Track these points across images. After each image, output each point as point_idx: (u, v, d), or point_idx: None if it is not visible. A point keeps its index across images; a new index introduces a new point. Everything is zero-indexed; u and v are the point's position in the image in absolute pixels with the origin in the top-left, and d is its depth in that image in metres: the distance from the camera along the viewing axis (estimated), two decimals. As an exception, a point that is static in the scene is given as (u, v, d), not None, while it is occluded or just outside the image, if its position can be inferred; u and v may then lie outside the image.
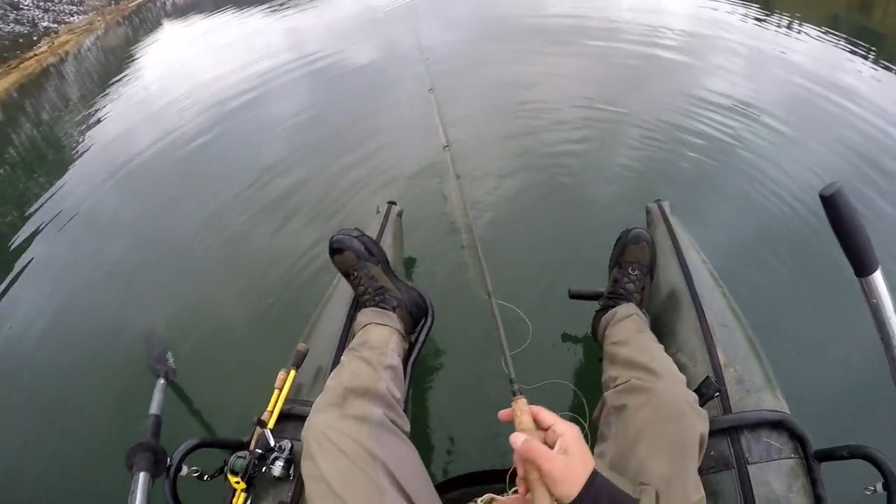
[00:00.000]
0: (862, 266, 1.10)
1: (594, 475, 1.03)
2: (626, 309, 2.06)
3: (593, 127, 4.69)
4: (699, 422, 1.49)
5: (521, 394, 1.20)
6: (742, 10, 7.58)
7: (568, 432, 1.07)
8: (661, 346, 1.85)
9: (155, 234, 4.94)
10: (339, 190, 4.52)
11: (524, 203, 4.02)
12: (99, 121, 10.25)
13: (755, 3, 8.14)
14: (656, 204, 2.73)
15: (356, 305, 2.21)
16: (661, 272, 2.28)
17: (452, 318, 3.00)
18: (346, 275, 2.20)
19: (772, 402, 1.71)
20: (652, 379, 1.59)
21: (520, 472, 1.09)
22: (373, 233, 2.67)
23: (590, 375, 2.59)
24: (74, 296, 4.44)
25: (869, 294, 1.13)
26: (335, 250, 2.18)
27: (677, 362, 1.78)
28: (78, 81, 14.16)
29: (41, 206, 6.53)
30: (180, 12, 35.92)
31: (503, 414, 1.20)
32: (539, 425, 1.13)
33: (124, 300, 4.17)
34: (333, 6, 12.98)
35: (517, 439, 1.08)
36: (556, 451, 1.04)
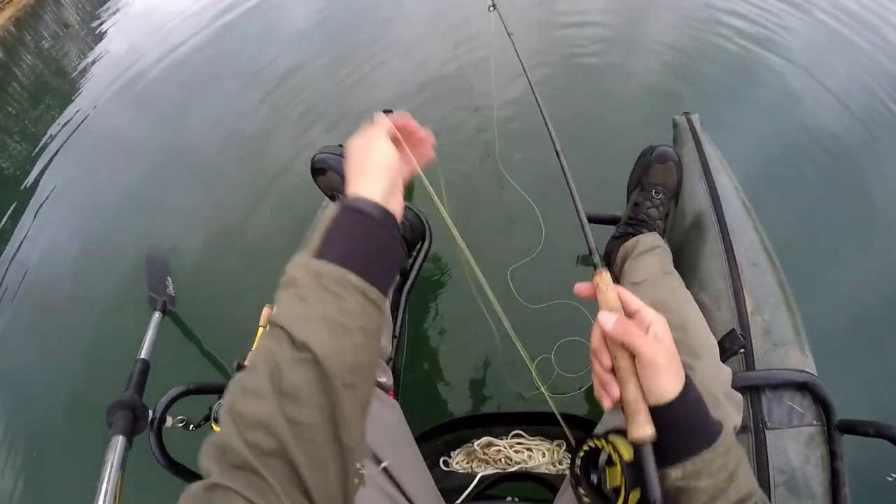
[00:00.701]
0: None
1: (688, 378, 0.84)
2: (650, 239, 1.80)
3: (624, 16, 4.25)
4: (734, 413, 1.27)
5: (603, 267, 0.98)
6: None
7: (659, 319, 0.88)
8: (690, 296, 1.58)
9: (167, 150, 4.76)
10: (358, 94, 4.26)
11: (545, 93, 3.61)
12: (101, 41, 9.96)
13: None
14: (685, 117, 2.33)
15: None
16: (687, 197, 2.00)
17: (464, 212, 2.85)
18: (332, 197, 2.09)
19: (799, 360, 1.53)
20: (686, 358, 1.25)
21: (602, 362, 0.88)
22: None
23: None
24: (89, 218, 4.38)
25: None
26: (318, 171, 2.04)
27: (700, 303, 1.59)
28: (75, 3, 13.65)
29: (52, 136, 6.33)
30: None
31: (581, 288, 0.97)
32: (625, 307, 0.90)
33: (136, 222, 4.06)
34: None
35: (607, 319, 0.86)
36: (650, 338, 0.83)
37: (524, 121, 3.32)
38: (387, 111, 2.79)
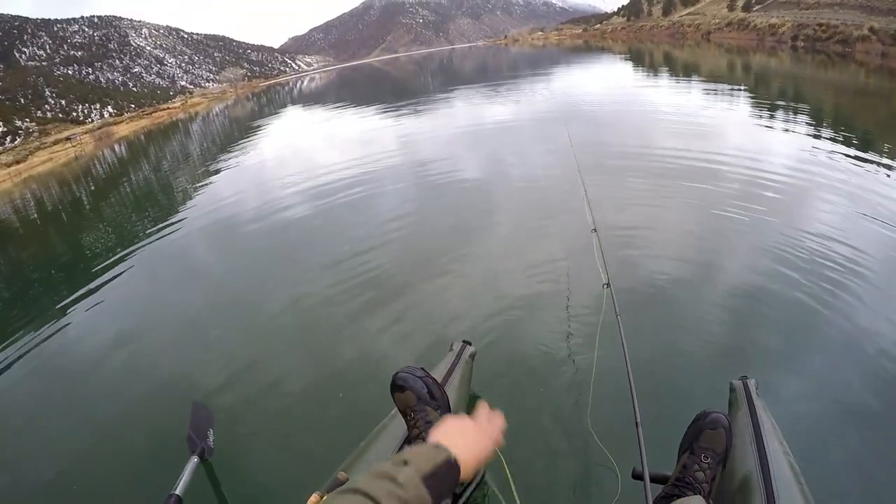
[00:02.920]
0: None
1: None
2: (694, 503, 1.80)
3: (687, 285, 4.32)
4: None
5: None
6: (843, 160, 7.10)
7: None
8: None
9: (235, 299, 4.82)
10: (429, 308, 3.97)
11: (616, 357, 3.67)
12: (211, 180, 10.65)
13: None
14: (741, 381, 2.39)
15: (407, 444, 2.07)
16: (737, 460, 1.99)
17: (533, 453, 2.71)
18: (404, 413, 2.10)
19: None
20: None
21: None
22: (441, 371, 2.51)
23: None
24: (140, 337, 4.36)
25: None
26: (397, 387, 2.08)
27: None
28: (200, 140, 14.83)
29: (139, 242, 6.68)
30: (304, 99, 38.20)
31: None
32: None
33: (187, 356, 3.99)
34: (445, 123, 13.24)
35: None
36: None
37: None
38: (466, 342, 2.75)
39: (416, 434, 2.01)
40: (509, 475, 1.45)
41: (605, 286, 2.70)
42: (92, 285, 5.44)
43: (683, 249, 4.66)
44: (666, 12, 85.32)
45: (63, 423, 3.44)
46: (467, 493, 2.02)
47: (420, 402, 2.05)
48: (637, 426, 1.60)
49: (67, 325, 4.65)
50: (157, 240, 6.72)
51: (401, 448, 2.03)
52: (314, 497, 1.68)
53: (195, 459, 2.36)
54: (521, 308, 3.86)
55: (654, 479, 2.01)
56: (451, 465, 0.99)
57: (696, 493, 1.85)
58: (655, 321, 3.62)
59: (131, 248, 6.45)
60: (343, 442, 2.25)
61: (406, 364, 2.13)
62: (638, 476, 2.05)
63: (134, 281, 5.52)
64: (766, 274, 4.18)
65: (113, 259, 6.09)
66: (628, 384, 1.89)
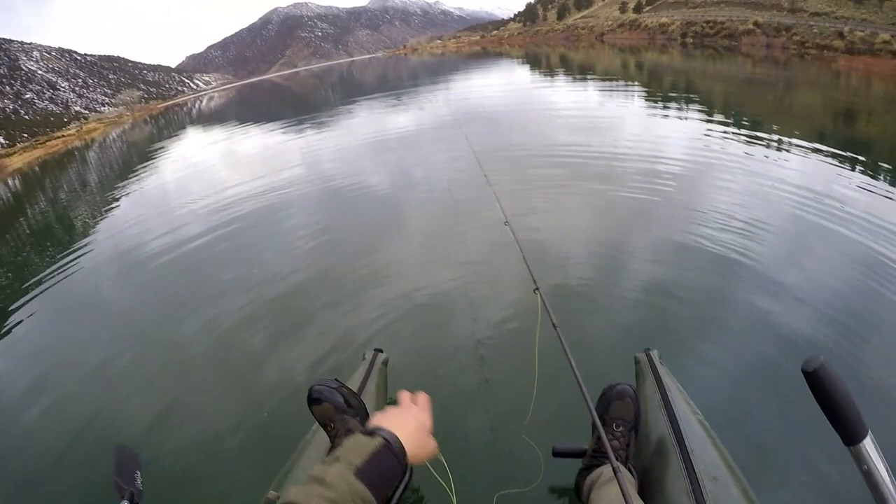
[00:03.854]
0: (850, 436, 1.02)
1: None
2: (611, 470, 1.84)
3: (588, 274, 4.42)
4: None
5: None
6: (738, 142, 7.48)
7: None
8: None
9: (145, 332, 4.70)
10: (339, 320, 4.10)
11: (522, 344, 3.72)
12: (112, 209, 10.35)
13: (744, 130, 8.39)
14: (645, 354, 2.54)
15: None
16: (650, 426, 2.12)
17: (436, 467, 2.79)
18: (324, 425, 2.15)
19: None
20: None
21: None
22: (357, 380, 2.56)
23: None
24: (52, 384, 4.18)
25: (860, 461, 1.03)
26: (314, 400, 2.13)
27: None
28: (98, 168, 14.31)
29: (40, 281, 6.41)
30: (204, 120, 37.17)
31: None
32: None
33: (103, 398, 3.83)
34: (346, 135, 13.37)
35: None
36: None
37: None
38: (378, 350, 2.78)
39: (338, 444, 2.01)
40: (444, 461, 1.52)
41: (536, 290, 2.54)
42: None
43: (590, 235, 5.12)
44: (561, 16, 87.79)
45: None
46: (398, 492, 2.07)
47: (338, 412, 2.09)
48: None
49: None
50: (59, 279, 6.47)
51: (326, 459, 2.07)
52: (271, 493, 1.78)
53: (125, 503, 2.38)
54: (430, 310, 4.01)
55: (572, 454, 2.21)
56: (390, 449, 1.00)
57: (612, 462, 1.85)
58: (568, 306, 3.82)
59: (32, 291, 6.17)
60: (271, 462, 2.29)
61: (321, 377, 2.17)
62: (558, 453, 2.24)
63: (38, 326, 5.29)
64: (670, 250, 4.59)
65: (13, 305, 5.81)
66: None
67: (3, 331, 5.23)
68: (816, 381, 1.00)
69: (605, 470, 1.91)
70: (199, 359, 4.01)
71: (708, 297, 3.86)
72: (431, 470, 1.50)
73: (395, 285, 4.45)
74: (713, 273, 4.18)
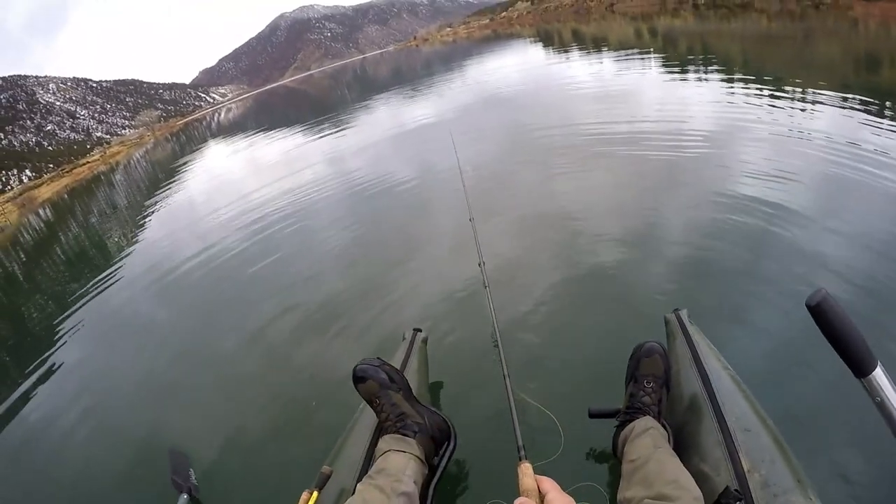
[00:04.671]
0: (860, 368, 1.05)
1: None
2: (644, 423, 1.96)
3: (618, 238, 4.37)
4: None
5: (526, 459, 1.38)
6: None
7: (558, 499, 1.22)
8: (678, 462, 1.73)
9: (187, 343, 4.82)
10: (374, 309, 4.14)
11: (552, 314, 3.73)
12: (143, 227, 10.57)
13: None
14: (674, 314, 2.60)
15: (379, 431, 2.19)
16: (682, 383, 2.18)
17: (479, 437, 2.79)
18: (370, 402, 2.22)
19: (802, 503, 1.56)
20: None
21: None
22: (399, 359, 2.65)
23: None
24: (102, 402, 4.29)
25: (872, 393, 1.06)
26: (359, 379, 2.21)
27: (700, 473, 1.71)
28: (125, 190, 14.48)
29: (80, 306, 6.51)
30: (224, 131, 37.64)
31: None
32: (540, 492, 1.28)
33: (152, 409, 3.98)
34: (369, 131, 13.31)
35: (519, 501, 1.22)
36: None
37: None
38: (416, 329, 2.90)
39: (383, 418, 2.12)
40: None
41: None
42: (41, 361, 5.29)
43: (624, 197, 5.00)
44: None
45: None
46: (444, 461, 2.15)
47: (382, 388, 2.16)
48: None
49: (24, 409, 4.52)
50: (98, 299, 6.59)
51: (374, 434, 2.18)
52: (304, 494, 1.80)
53: (184, 497, 2.43)
54: (463, 295, 4.05)
55: (608, 414, 2.26)
56: None
57: (644, 415, 2.02)
58: (588, 281, 3.85)
59: (73, 314, 6.29)
60: (323, 443, 2.38)
61: (362, 359, 2.25)
62: (594, 414, 2.31)
63: (83, 346, 5.41)
64: (702, 210, 4.51)
65: (57, 329, 5.94)
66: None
67: (52, 354, 5.35)
68: (820, 314, 1.02)
69: (638, 423, 1.97)
70: (243, 361, 4.09)
71: (740, 258, 3.74)
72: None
73: (427, 274, 4.51)
74: (746, 234, 4.08)
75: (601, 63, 15.38)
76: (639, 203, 4.73)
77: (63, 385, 4.75)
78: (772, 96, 7.35)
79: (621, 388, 2.24)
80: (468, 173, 5.71)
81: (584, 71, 14.02)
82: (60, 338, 5.73)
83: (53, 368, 5.07)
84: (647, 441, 1.85)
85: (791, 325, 2.98)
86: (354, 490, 1.88)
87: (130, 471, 3.30)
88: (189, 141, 40.70)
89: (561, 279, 3.97)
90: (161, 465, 2.93)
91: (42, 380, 4.89)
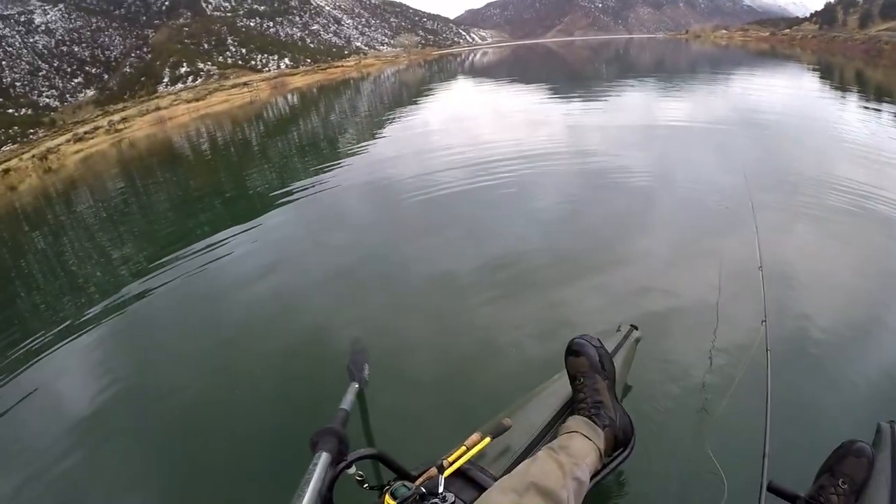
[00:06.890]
0: None
1: None
2: None
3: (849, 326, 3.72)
4: None
5: None
6: None
7: None
8: None
9: (386, 251, 4.87)
10: (599, 283, 3.95)
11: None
12: (374, 139, 11.07)
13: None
14: (889, 424, 2.27)
15: (569, 407, 2.14)
16: (869, 498, 1.92)
17: (649, 458, 2.52)
18: (573, 377, 2.15)
19: None
20: None
21: None
22: (608, 348, 2.44)
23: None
24: (295, 274, 4.57)
25: None
26: (573, 352, 2.14)
27: None
28: (370, 99, 15.17)
29: (297, 187, 6.99)
30: (476, 72, 38.67)
31: None
32: None
33: (340, 297, 4.13)
34: (623, 112, 12.44)
35: None
36: None
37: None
38: (633, 326, 2.70)
39: (580, 399, 2.08)
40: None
41: (763, 322, 2.52)
42: (251, 221, 5.79)
43: (856, 292, 4.05)
44: (863, 24, 77.81)
45: (229, 350, 3.68)
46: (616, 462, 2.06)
47: (591, 370, 2.13)
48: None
49: (226, 254, 4.98)
50: (314, 187, 6.99)
51: (563, 407, 2.16)
52: (475, 436, 1.84)
53: (355, 385, 2.48)
54: (669, 312, 3.71)
55: (786, 495, 2.06)
56: None
57: None
58: (807, 360, 3.30)
59: (289, 191, 6.83)
60: (505, 391, 2.38)
61: (581, 333, 2.19)
62: (773, 490, 2.04)
63: (289, 223, 5.84)
64: None
65: (272, 198, 6.48)
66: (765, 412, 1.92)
67: (259, 222, 5.84)
68: None
69: None
70: (452, 283, 4.13)
71: None
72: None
73: (640, 275, 4.16)
74: None
75: (879, 118, 12.89)
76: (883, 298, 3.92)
77: (264, 248, 5.15)
78: None
79: (810, 473, 2.08)
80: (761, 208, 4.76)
81: (860, 124, 11.90)
82: (271, 207, 6.28)
83: (259, 231, 5.57)
84: None
85: None
86: (526, 452, 1.94)
87: (311, 344, 3.54)
88: (440, 71, 42.32)
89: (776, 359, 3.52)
90: (342, 351, 3.04)
91: (247, 237, 5.38)
